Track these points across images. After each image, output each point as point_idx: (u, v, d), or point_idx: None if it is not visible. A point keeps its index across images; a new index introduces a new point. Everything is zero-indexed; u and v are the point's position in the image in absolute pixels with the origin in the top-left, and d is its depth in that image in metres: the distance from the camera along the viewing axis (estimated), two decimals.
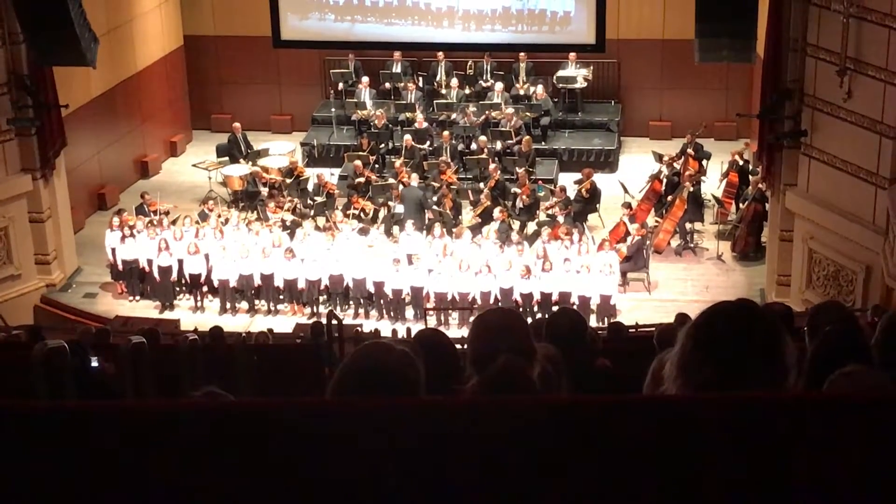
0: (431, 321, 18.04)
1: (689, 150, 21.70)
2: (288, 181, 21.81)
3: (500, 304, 17.47)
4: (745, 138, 23.39)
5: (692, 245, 20.40)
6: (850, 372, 3.78)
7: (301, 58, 25.15)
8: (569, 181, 21.62)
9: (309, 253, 18.76)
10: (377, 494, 2.49)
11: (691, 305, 16.38)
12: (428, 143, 22.70)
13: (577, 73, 23.95)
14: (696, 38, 16.67)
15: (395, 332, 17.28)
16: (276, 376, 11.00)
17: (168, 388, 9.33)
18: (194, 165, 23.67)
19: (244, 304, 19.11)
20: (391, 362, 3.08)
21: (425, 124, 22.96)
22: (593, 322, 17.20)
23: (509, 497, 2.48)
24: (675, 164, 21.49)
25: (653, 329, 13.07)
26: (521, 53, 24.02)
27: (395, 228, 20.12)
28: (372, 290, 18.65)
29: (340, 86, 24.50)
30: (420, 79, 24.66)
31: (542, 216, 20.54)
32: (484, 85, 24.32)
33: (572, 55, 23.76)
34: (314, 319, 18.10)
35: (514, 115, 22.75)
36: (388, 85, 24.65)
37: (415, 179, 20.83)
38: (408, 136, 22.39)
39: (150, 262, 18.97)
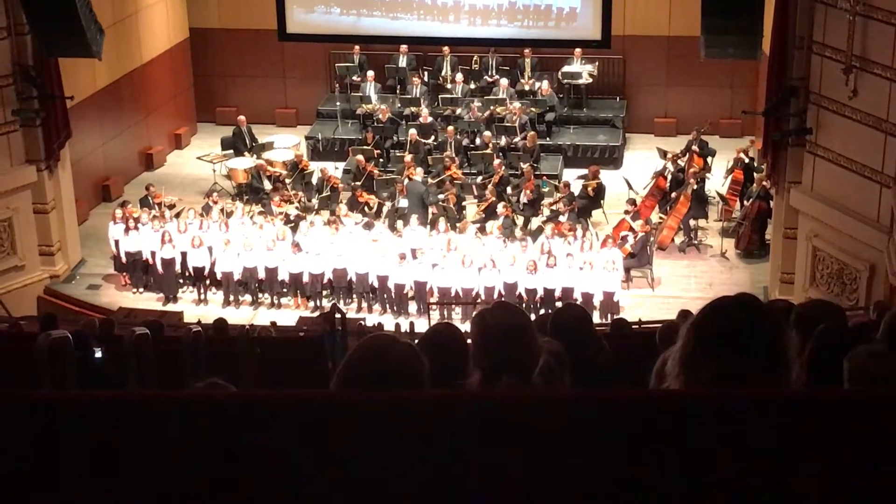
0: (434, 316, 18.04)
1: (694, 147, 21.68)
2: (292, 175, 21.83)
3: (503, 298, 17.45)
4: (750, 136, 23.36)
5: (696, 242, 20.39)
6: (874, 351, 3.80)
7: (306, 51, 25.15)
8: (573, 177, 21.61)
9: (312, 247, 18.77)
10: (379, 487, 2.49)
11: (694, 302, 16.35)
12: (433, 137, 22.70)
13: (582, 69, 23.94)
14: (702, 35, 16.66)
15: (398, 326, 17.28)
16: (280, 369, 11.01)
17: (171, 379, 9.34)
18: (199, 158, 23.68)
19: (248, 297, 19.12)
20: (396, 355, 3.09)
21: (430, 119, 22.95)
22: (596, 318, 17.20)
23: (511, 490, 2.49)
24: (679, 161, 21.48)
25: (656, 326, 13.07)
26: (527, 49, 24.01)
27: (399, 223, 20.12)
28: (375, 284, 18.66)
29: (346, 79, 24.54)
30: (425, 73, 24.65)
31: (545, 212, 20.53)
32: (489, 80, 24.31)
33: (578, 51, 23.75)
34: (318, 312, 18.17)
35: (519, 110, 22.73)
36: (393, 79, 24.66)
37: (419, 174, 20.84)
38: (413, 131, 22.38)
39: (153, 254, 18.99)
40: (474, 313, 4.05)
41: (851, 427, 2.51)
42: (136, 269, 19.35)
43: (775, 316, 3.02)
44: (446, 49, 24.26)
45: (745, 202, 20.51)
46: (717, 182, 21.54)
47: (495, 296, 17.95)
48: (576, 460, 2.49)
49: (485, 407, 2.60)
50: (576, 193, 20.71)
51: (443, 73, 24.54)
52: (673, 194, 20.65)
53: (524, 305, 17.51)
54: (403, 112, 23.64)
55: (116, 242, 19.26)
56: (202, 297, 19.23)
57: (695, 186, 20.24)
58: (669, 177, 21.11)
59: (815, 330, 4.59)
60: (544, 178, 21.54)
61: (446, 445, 2.48)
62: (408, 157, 21.49)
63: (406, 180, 20.71)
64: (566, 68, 23.99)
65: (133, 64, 23.31)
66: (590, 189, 20.77)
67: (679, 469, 2.50)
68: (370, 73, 24.26)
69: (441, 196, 20.60)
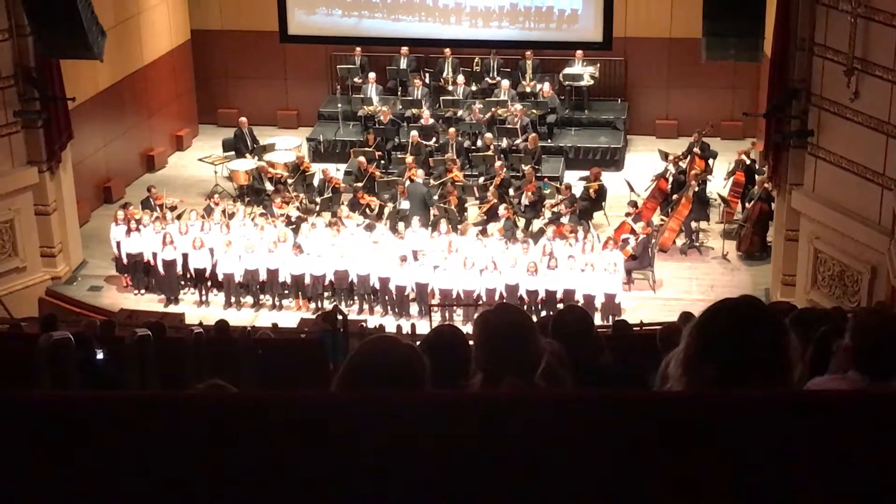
0: (436, 318, 18.04)
1: (696, 149, 21.68)
2: (293, 176, 21.83)
3: (504, 300, 17.43)
4: (751, 137, 23.38)
5: (697, 244, 20.38)
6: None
7: (308, 53, 25.16)
8: (575, 179, 21.62)
9: (314, 248, 18.77)
10: (381, 487, 2.49)
11: (696, 304, 16.35)
12: (434, 139, 22.71)
13: (583, 71, 23.94)
14: (703, 37, 16.64)
15: (399, 328, 17.28)
16: (281, 370, 11.02)
17: (173, 380, 9.34)
18: (200, 160, 23.70)
19: (249, 299, 19.12)
20: (397, 356, 3.09)
21: (431, 121, 22.96)
22: (598, 320, 17.20)
23: (511, 491, 2.49)
24: (681, 163, 21.48)
25: (657, 328, 13.08)
26: (528, 51, 24.03)
27: (401, 225, 20.12)
28: (377, 285, 18.66)
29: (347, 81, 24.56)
30: (427, 75, 24.66)
31: (547, 214, 20.54)
32: (490, 82, 24.32)
33: (579, 53, 23.76)
34: (319, 313, 18.18)
35: (520, 112, 22.74)
36: (394, 81, 24.67)
37: (420, 176, 20.84)
38: (414, 133, 22.39)
39: (154, 255, 19.00)
40: (477, 314, 4.05)
41: (854, 428, 2.51)
42: (138, 271, 19.36)
43: (778, 318, 3.03)
44: (447, 51, 24.28)
45: (747, 204, 20.50)
46: (719, 184, 21.54)
47: (496, 298, 17.95)
48: (578, 461, 2.49)
49: (487, 408, 2.60)
50: (577, 195, 20.72)
51: (444, 75, 24.55)
52: (674, 196, 20.65)
53: (525, 307, 17.51)
54: (405, 114, 23.66)
55: (118, 244, 19.27)
56: (203, 298, 19.22)
57: (696, 188, 20.24)
58: (671, 179, 21.12)
59: (816, 332, 4.60)
60: (546, 179, 21.54)
61: (448, 446, 2.48)
62: (409, 159, 21.51)
63: (407, 182, 20.72)
64: (567, 70, 24.00)
65: (135, 65, 23.33)
66: (591, 191, 20.78)
67: (681, 470, 2.50)
68: (371, 75, 24.28)
69: (436, 197, 20.61)
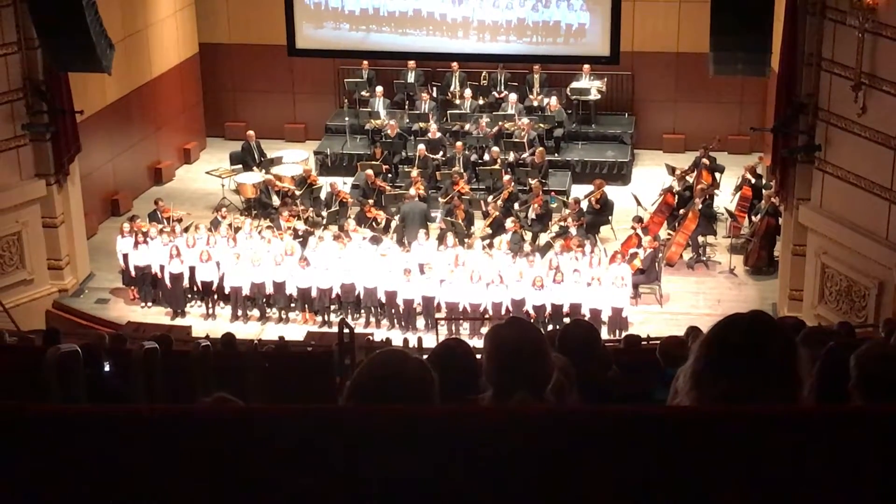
0: (442, 331, 18.02)
1: (705, 160, 21.67)
2: (301, 190, 21.85)
3: (511, 314, 17.40)
4: (758, 152, 23.35)
5: (704, 258, 20.36)
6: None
7: (315, 66, 25.20)
8: (582, 193, 21.61)
9: (321, 261, 18.78)
10: (387, 502, 2.49)
11: (703, 319, 16.35)
12: (441, 153, 22.73)
13: (590, 85, 23.96)
14: (711, 52, 16.65)
15: (406, 341, 17.26)
16: (288, 383, 11.01)
17: (180, 393, 9.34)
18: (208, 173, 23.72)
19: (255, 312, 19.12)
20: (407, 370, 3.08)
21: (438, 134, 22.98)
22: (605, 334, 17.17)
23: None
24: (688, 178, 21.47)
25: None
26: (536, 65, 24.05)
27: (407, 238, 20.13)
28: (383, 299, 18.65)
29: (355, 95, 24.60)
30: (434, 89, 24.69)
31: (554, 227, 20.53)
32: (498, 96, 24.34)
33: (586, 67, 23.78)
34: (326, 327, 18.23)
35: (527, 126, 22.75)
36: (402, 95, 24.71)
37: (413, 194, 20.75)
38: (421, 146, 22.42)
39: (161, 268, 19.01)
40: (488, 329, 4.04)
41: (860, 442, 2.51)
42: (145, 284, 19.37)
43: (788, 334, 3.02)
44: (455, 65, 24.31)
45: (754, 218, 20.48)
46: (726, 198, 21.51)
47: (503, 311, 17.93)
48: (588, 476, 2.48)
49: (498, 422, 2.60)
50: (584, 209, 20.70)
51: (451, 89, 24.57)
52: (681, 210, 20.64)
53: (532, 321, 17.48)
54: (412, 127, 23.69)
55: (125, 256, 19.27)
56: (210, 311, 19.23)
57: (703, 203, 20.23)
58: (678, 193, 21.11)
59: (824, 348, 4.58)
60: (553, 193, 21.54)
61: (458, 462, 2.47)
62: (414, 173, 21.54)
63: (404, 201, 20.73)
64: (575, 84, 24.03)
65: (143, 79, 23.39)
66: (593, 199, 20.73)
67: (690, 485, 2.49)
68: (379, 89, 24.32)
69: (441, 212, 20.60)
